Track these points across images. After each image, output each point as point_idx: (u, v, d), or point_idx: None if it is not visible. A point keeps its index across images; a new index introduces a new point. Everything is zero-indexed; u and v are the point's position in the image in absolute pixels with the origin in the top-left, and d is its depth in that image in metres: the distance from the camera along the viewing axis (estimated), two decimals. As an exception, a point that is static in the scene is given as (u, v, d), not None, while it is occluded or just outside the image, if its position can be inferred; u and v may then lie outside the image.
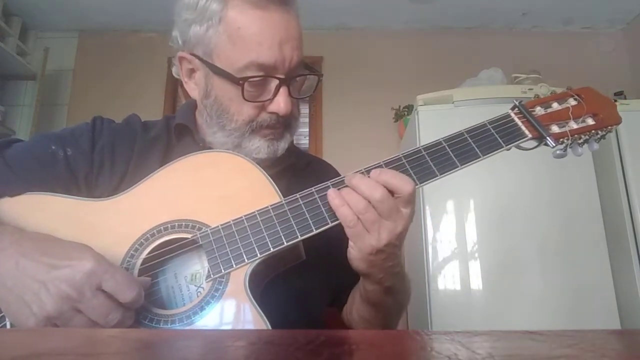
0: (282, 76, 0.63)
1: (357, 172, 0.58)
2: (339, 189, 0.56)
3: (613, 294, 1.55)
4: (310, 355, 0.24)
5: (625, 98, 2.13)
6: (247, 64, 0.62)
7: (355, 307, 0.72)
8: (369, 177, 0.56)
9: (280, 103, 0.63)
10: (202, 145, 0.71)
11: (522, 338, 0.29)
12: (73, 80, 2.59)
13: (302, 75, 0.68)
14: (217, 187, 0.59)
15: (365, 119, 2.49)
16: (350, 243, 0.56)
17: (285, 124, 0.68)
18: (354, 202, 0.54)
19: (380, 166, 0.58)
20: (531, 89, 1.74)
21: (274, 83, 0.63)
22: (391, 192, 0.55)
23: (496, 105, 1.69)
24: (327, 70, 2.47)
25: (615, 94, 2.22)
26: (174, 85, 2.57)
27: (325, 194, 0.56)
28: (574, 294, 1.54)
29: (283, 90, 0.64)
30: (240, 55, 0.62)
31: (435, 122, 1.74)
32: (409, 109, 2.28)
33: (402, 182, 0.55)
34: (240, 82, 0.61)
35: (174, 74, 0.74)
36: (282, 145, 0.69)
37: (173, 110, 2.50)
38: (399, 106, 2.39)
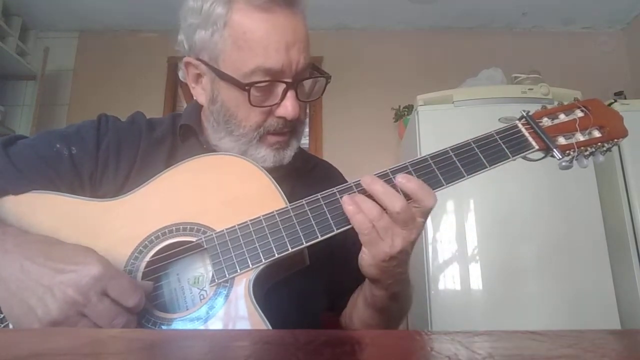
0: (289, 80, 0.62)
1: (379, 173, 0.57)
2: (351, 194, 0.56)
3: (613, 295, 1.55)
4: (311, 355, 0.24)
5: (625, 98, 2.12)
6: (254, 69, 0.60)
7: (356, 312, 0.71)
8: (393, 182, 0.55)
9: (288, 107, 0.62)
10: (207, 147, 0.70)
11: (522, 338, 0.29)
12: (73, 80, 2.59)
13: (310, 78, 0.68)
14: (222, 191, 0.58)
15: (365, 119, 2.49)
16: (364, 249, 0.55)
17: (291, 128, 0.67)
18: (368, 210, 0.53)
19: (406, 167, 0.57)
20: (531, 89, 1.74)
21: (281, 87, 0.62)
22: (411, 201, 0.54)
23: (496, 105, 1.69)
24: (327, 70, 2.45)
25: (615, 94, 2.22)
26: (174, 86, 2.58)
27: (331, 201, 0.56)
28: (574, 296, 1.54)
29: (290, 94, 0.63)
30: (246, 61, 0.61)
31: (435, 122, 1.74)
32: (409, 109, 2.28)
33: (427, 196, 0.54)
34: (247, 87, 0.60)
35: (180, 77, 0.73)
36: (289, 154, 0.68)
37: (173, 111, 2.50)
38: (399, 106, 2.39)
